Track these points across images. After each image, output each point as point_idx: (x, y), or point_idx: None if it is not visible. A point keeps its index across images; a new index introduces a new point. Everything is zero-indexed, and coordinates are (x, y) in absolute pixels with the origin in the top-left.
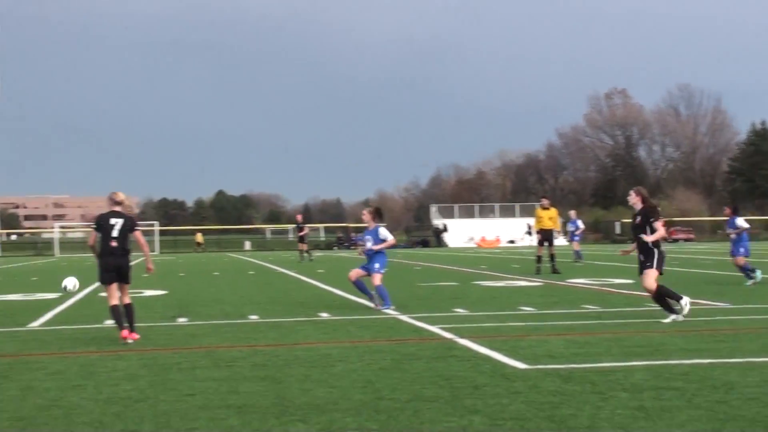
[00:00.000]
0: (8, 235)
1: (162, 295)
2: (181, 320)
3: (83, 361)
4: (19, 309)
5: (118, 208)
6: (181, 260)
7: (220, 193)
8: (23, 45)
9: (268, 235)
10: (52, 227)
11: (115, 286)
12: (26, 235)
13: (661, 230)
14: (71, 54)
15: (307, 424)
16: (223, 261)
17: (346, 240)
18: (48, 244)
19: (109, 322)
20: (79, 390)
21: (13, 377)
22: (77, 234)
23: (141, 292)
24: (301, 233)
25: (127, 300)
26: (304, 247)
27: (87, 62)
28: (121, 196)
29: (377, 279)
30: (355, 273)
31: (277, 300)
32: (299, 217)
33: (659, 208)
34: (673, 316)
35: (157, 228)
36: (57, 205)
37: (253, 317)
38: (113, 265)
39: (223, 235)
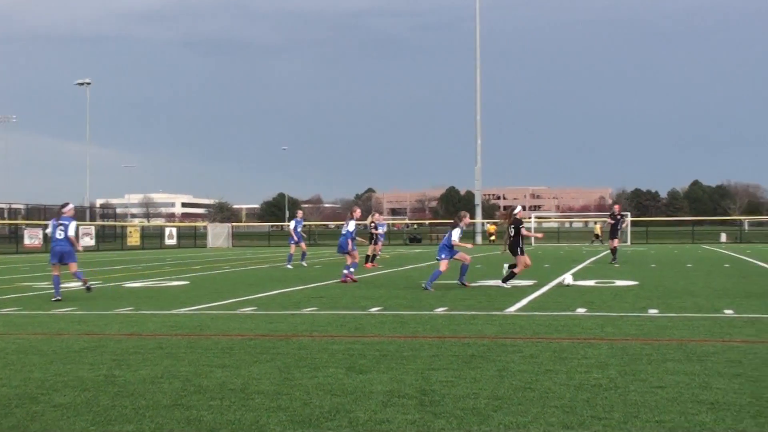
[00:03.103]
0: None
1: (633, 285)
2: (652, 311)
3: (555, 347)
4: (497, 294)
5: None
6: (653, 251)
7: (695, 184)
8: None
9: (746, 227)
10: (529, 217)
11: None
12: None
13: None
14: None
15: None
16: (697, 253)
17: None
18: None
19: (581, 310)
20: (551, 374)
21: (491, 358)
22: (552, 224)
23: (612, 282)
24: None
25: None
26: None
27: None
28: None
29: None
30: None
31: (755, 295)
32: None
33: None
34: None
35: (628, 219)
36: (534, 196)
37: (728, 312)
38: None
39: (696, 227)
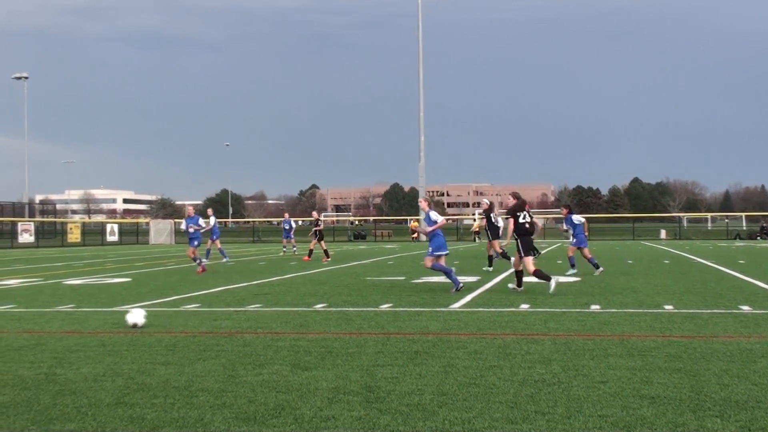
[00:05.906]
0: None
1: (575, 281)
2: (594, 307)
3: (500, 343)
4: (441, 291)
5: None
6: (594, 247)
7: (636, 181)
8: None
9: (685, 223)
10: (473, 214)
11: None
12: (448, 221)
13: None
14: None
15: (725, 421)
16: (638, 249)
17: None
18: (468, 230)
19: (524, 306)
20: (496, 370)
21: (436, 354)
22: None
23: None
24: None
25: None
26: None
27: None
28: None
29: None
30: None
31: (694, 290)
32: None
33: None
34: None
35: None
36: (477, 193)
37: (668, 307)
38: None
39: (637, 224)
